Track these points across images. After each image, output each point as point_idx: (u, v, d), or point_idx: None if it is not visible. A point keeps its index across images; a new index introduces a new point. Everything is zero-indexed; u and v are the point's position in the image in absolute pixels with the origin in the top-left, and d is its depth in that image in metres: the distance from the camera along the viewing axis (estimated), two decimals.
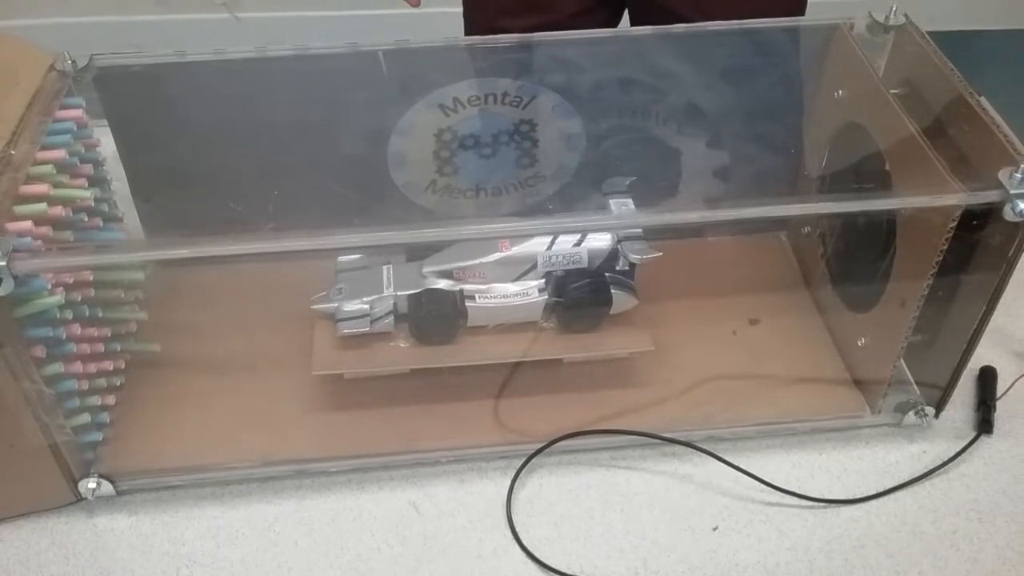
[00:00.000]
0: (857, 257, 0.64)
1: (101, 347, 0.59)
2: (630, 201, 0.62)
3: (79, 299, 0.55)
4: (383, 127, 0.66)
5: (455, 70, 0.65)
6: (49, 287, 0.51)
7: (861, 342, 0.64)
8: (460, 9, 0.94)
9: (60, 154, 0.55)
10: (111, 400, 0.60)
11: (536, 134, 0.68)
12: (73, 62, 0.59)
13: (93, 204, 0.59)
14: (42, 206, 0.52)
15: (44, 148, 0.55)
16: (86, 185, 0.59)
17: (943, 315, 0.58)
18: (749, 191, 0.69)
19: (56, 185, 0.54)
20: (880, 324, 0.62)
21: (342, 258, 0.64)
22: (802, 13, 0.84)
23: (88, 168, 0.59)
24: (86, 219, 0.58)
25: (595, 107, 0.68)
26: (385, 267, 0.63)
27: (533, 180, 0.70)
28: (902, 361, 0.61)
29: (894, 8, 0.63)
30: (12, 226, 0.50)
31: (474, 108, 0.66)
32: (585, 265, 0.61)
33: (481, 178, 0.70)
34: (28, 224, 0.51)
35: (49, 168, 0.54)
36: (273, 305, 0.66)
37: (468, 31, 0.94)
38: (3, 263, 0.46)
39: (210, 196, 0.65)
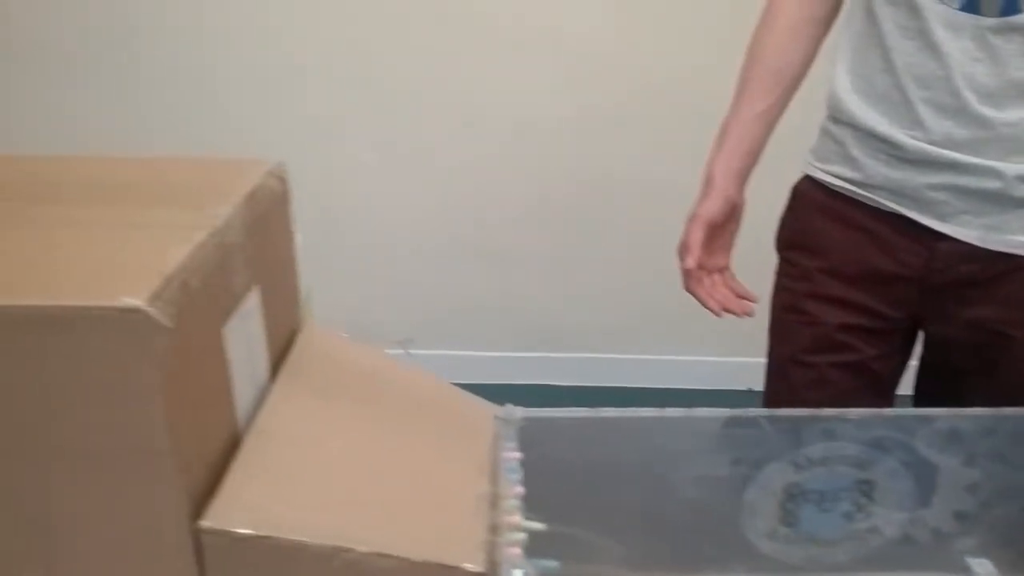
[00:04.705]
0: None
1: None
2: (986, 562, 0.69)
3: None
4: (742, 478, 0.76)
5: (809, 435, 0.76)
6: None
7: None
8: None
9: (520, 490, 0.66)
10: None
11: (874, 494, 0.77)
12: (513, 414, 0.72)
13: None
14: (522, 536, 0.62)
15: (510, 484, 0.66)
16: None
17: None
18: None
19: (527, 518, 0.64)
20: None
21: None
22: None
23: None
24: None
25: (929, 472, 0.77)
26: None
27: (865, 534, 0.78)
28: None
29: None
30: (508, 550, 0.59)
31: (822, 467, 0.76)
32: None
33: (818, 529, 0.78)
34: (518, 551, 0.60)
35: (516, 503, 0.65)
36: None
37: (769, 364, 1.07)
38: None
39: (593, 529, 0.74)
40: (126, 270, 0.49)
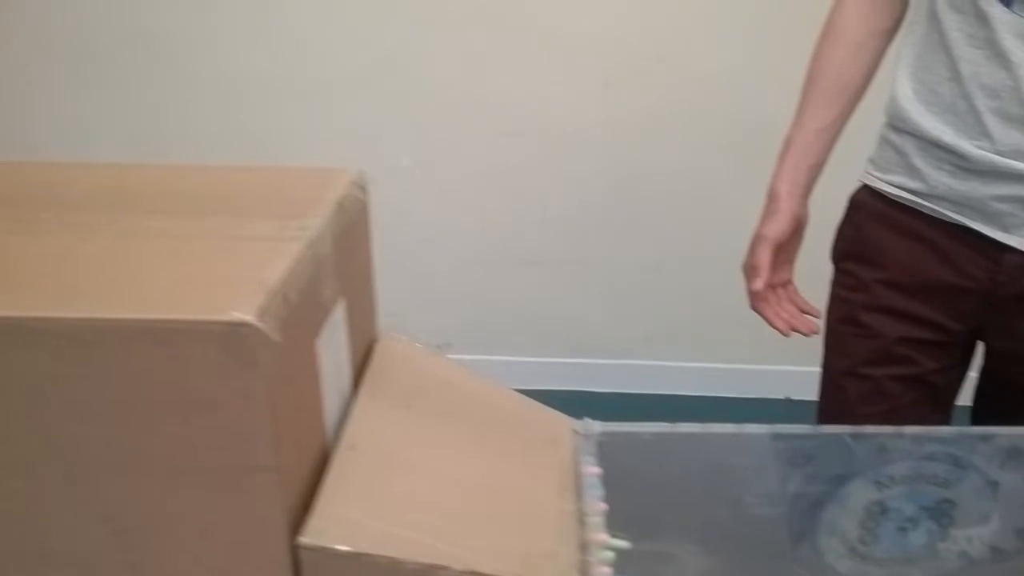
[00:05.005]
0: None
1: None
2: None
3: None
4: (822, 495, 0.75)
5: (891, 453, 0.75)
6: None
7: None
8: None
9: (604, 506, 0.65)
10: None
11: (955, 513, 0.76)
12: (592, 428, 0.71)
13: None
14: (611, 554, 0.61)
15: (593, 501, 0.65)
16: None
17: None
18: None
19: (613, 535, 0.63)
20: None
21: None
22: None
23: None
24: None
25: (992, 489, 0.76)
26: None
27: (944, 554, 0.77)
28: None
29: None
30: (598, 569, 0.58)
31: (904, 486, 0.75)
32: None
33: (896, 548, 0.77)
34: (608, 570, 0.59)
35: (601, 520, 0.64)
36: None
37: (824, 376, 1.06)
38: None
39: (671, 545, 0.73)
40: (229, 284, 0.48)
